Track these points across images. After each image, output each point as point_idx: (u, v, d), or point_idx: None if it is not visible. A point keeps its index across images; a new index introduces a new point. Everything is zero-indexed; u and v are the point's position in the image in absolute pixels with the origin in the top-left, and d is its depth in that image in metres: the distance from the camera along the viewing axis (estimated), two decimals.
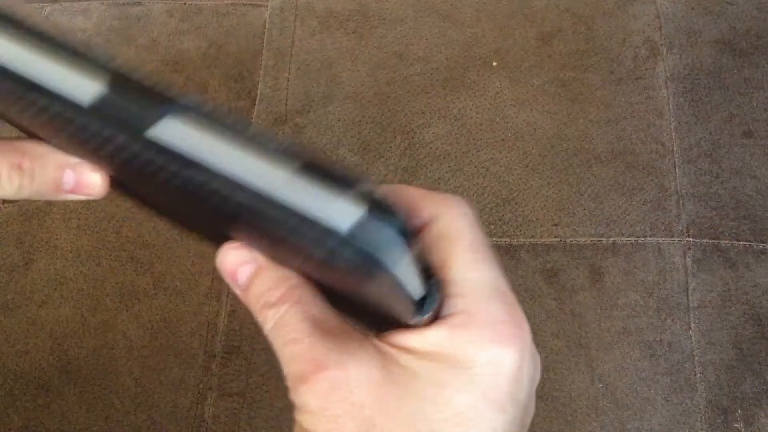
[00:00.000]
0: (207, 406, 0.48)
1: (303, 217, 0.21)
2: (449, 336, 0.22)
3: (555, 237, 0.51)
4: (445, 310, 0.22)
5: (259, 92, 0.59)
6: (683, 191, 0.53)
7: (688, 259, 0.51)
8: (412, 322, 0.23)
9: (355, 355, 0.23)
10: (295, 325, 0.23)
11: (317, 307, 0.23)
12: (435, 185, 0.54)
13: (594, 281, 0.50)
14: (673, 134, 0.56)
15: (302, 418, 0.23)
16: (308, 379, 0.23)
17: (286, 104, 0.58)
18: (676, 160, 0.55)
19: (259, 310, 0.24)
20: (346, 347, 0.23)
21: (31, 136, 0.26)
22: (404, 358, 0.23)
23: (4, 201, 0.56)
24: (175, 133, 0.22)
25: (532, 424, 0.50)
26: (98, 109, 0.23)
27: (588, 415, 0.46)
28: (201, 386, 0.48)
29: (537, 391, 0.50)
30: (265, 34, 0.62)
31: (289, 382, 0.23)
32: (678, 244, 0.52)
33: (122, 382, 0.48)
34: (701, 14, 0.61)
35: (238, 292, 0.24)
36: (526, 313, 0.22)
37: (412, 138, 0.56)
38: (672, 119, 0.56)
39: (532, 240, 0.51)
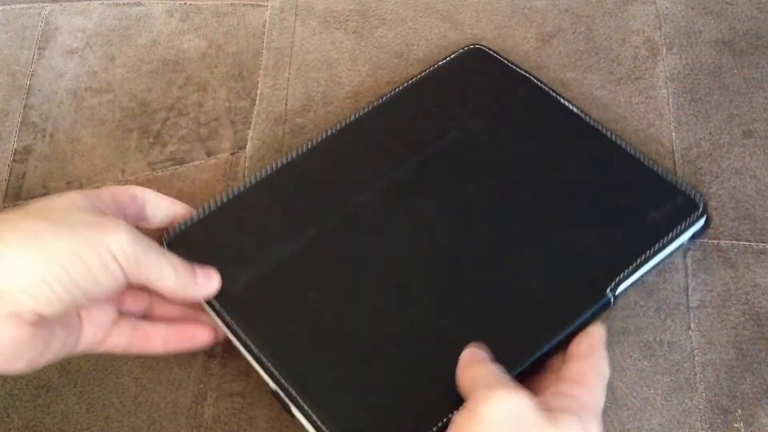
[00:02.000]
0: (207, 406, 0.48)
1: None
2: None
3: None
4: None
5: (259, 92, 0.59)
6: None
7: (687, 259, 0.51)
8: None
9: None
10: None
11: None
12: None
13: None
14: (673, 134, 0.56)
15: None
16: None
17: (286, 104, 0.58)
18: (676, 160, 0.55)
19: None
20: None
21: None
22: None
23: (4, 201, 0.56)
24: None
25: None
26: None
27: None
28: (201, 386, 0.48)
29: None
30: (265, 34, 0.62)
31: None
32: None
33: (122, 382, 0.48)
34: (701, 14, 0.61)
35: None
36: None
37: None
38: (672, 119, 0.56)
39: None
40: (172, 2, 0.64)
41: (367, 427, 0.42)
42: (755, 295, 0.50)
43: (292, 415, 0.44)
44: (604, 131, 0.53)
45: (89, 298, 0.39)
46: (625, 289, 0.47)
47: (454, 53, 0.57)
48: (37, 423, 0.47)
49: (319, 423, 0.42)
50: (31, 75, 0.61)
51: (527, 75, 0.56)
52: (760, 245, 0.51)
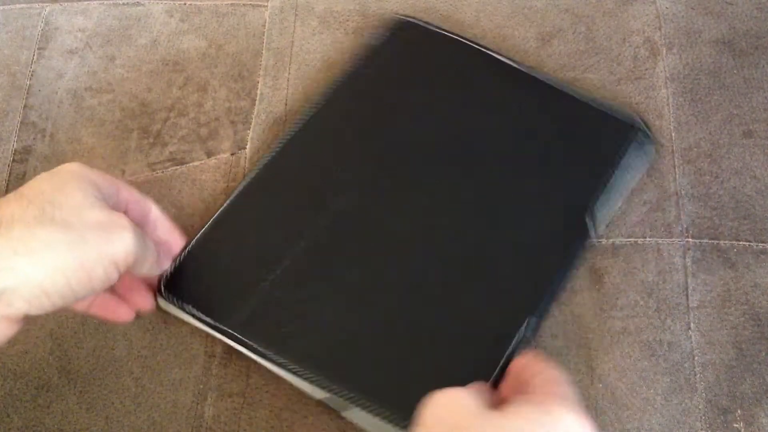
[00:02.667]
0: (207, 406, 0.48)
1: None
2: None
3: None
4: None
5: (259, 92, 0.59)
6: (683, 192, 0.53)
7: (687, 260, 0.51)
8: None
9: None
10: None
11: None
12: None
13: (594, 282, 0.50)
14: (673, 134, 0.56)
15: None
16: None
17: (286, 104, 0.58)
18: (676, 160, 0.55)
19: None
20: None
21: None
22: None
23: None
24: None
25: None
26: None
27: (588, 415, 0.46)
28: (201, 386, 0.48)
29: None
30: (265, 34, 0.62)
31: None
32: (677, 244, 0.52)
33: (122, 382, 0.48)
34: (701, 14, 0.61)
35: None
36: None
37: None
38: (672, 119, 0.56)
39: None
40: (172, 2, 0.64)
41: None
42: (755, 295, 0.50)
43: (342, 417, 0.45)
44: (540, 77, 0.56)
45: (78, 299, 0.40)
46: (606, 227, 0.51)
47: (383, 31, 0.59)
48: (37, 423, 0.47)
49: (387, 413, 0.44)
50: (31, 75, 0.61)
51: (459, 38, 0.58)
52: (760, 245, 0.51)
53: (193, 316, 0.48)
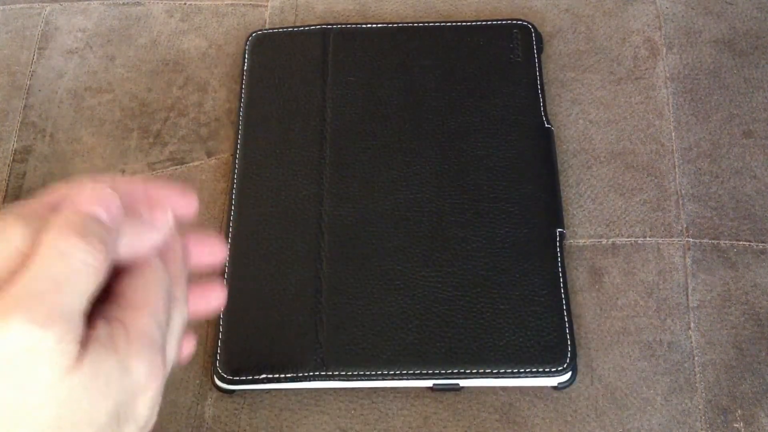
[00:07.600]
0: (207, 406, 0.48)
1: None
2: None
3: None
4: None
5: None
6: (683, 191, 0.53)
7: (687, 260, 0.51)
8: None
9: None
10: None
11: None
12: None
13: (593, 282, 0.50)
14: (673, 134, 0.56)
15: None
16: None
17: None
18: (676, 160, 0.55)
19: None
20: None
21: None
22: None
23: (4, 200, 0.56)
24: None
25: (532, 424, 0.50)
26: None
27: (588, 415, 0.46)
28: (201, 386, 0.48)
29: (537, 392, 0.50)
30: None
31: None
32: (678, 244, 0.52)
33: None
34: (701, 14, 0.61)
35: None
36: None
37: None
38: (672, 119, 0.56)
39: None
40: (172, 2, 0.64)
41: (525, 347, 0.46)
42: (755, 295, 0.50)
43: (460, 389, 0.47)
44: (430, 24, 0.58)
45: None
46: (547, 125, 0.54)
47: (248, 54, 0.58)
48: None
49: (503, 370, 0.45)
50: (31, 75, 0.61)
51: (324, 27, 0.59)
52: (760, 245, 0.51)
53: (269, 381, 0.46)
